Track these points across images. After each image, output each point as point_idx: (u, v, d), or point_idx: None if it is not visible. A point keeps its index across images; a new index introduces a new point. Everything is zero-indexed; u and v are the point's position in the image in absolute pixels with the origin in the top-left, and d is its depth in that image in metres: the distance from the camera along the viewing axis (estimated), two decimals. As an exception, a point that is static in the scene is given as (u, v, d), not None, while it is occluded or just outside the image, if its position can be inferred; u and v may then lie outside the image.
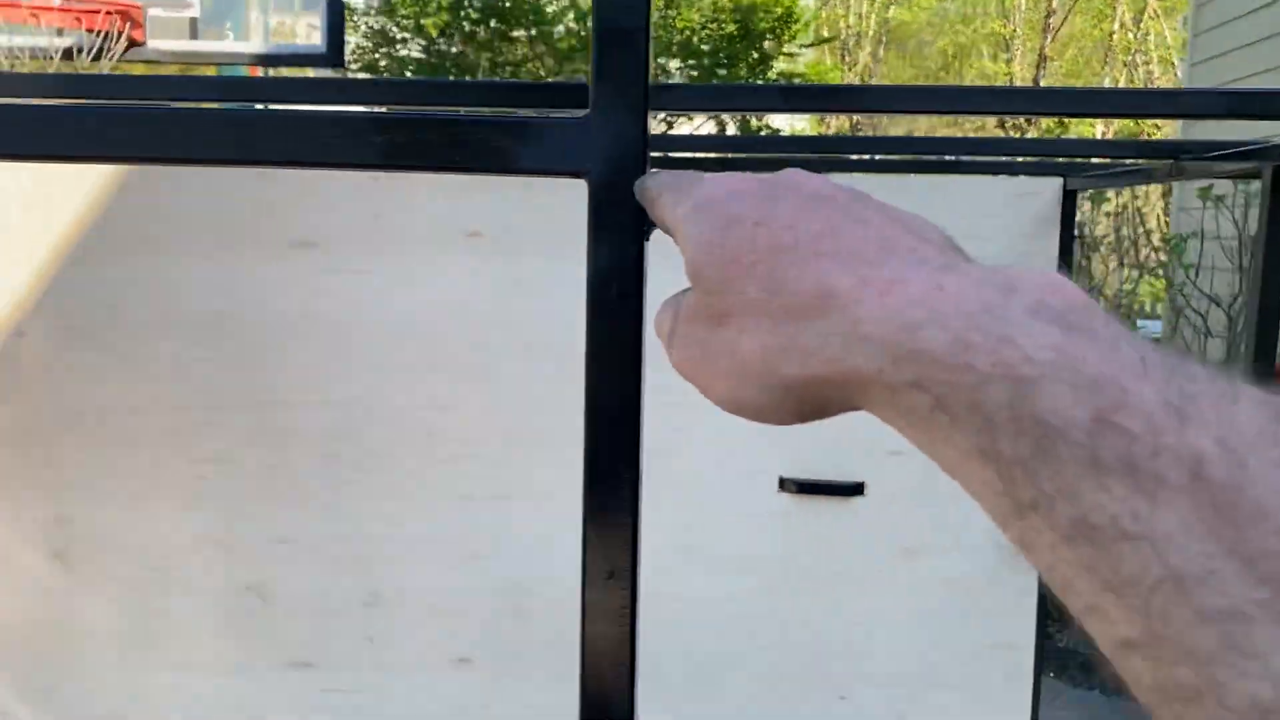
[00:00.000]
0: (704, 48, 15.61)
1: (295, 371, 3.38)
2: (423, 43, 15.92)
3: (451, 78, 14.82)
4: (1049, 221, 3.17)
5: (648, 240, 0.81)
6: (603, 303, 0.84)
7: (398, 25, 16.29)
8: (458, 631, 3.41)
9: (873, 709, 3.33)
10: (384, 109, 2.80)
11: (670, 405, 3.08)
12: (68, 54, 5.44)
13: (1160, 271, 8.65)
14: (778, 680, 3.33)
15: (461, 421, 3.36)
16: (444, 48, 16.20)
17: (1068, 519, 0.46)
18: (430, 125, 0.81)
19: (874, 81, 24.95)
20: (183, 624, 3.49)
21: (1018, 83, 22.97)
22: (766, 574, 3.30)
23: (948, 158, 3.37)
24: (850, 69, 24.26)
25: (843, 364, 0.57)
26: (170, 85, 2.90)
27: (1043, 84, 22.51)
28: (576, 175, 0.80)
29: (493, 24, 15.69)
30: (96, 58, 5.23)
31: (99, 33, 5.23)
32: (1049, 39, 22.92)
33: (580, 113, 0.81)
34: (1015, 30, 23.49)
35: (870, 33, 25.51)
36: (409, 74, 15.97)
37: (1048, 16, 22.89)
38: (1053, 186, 3.16)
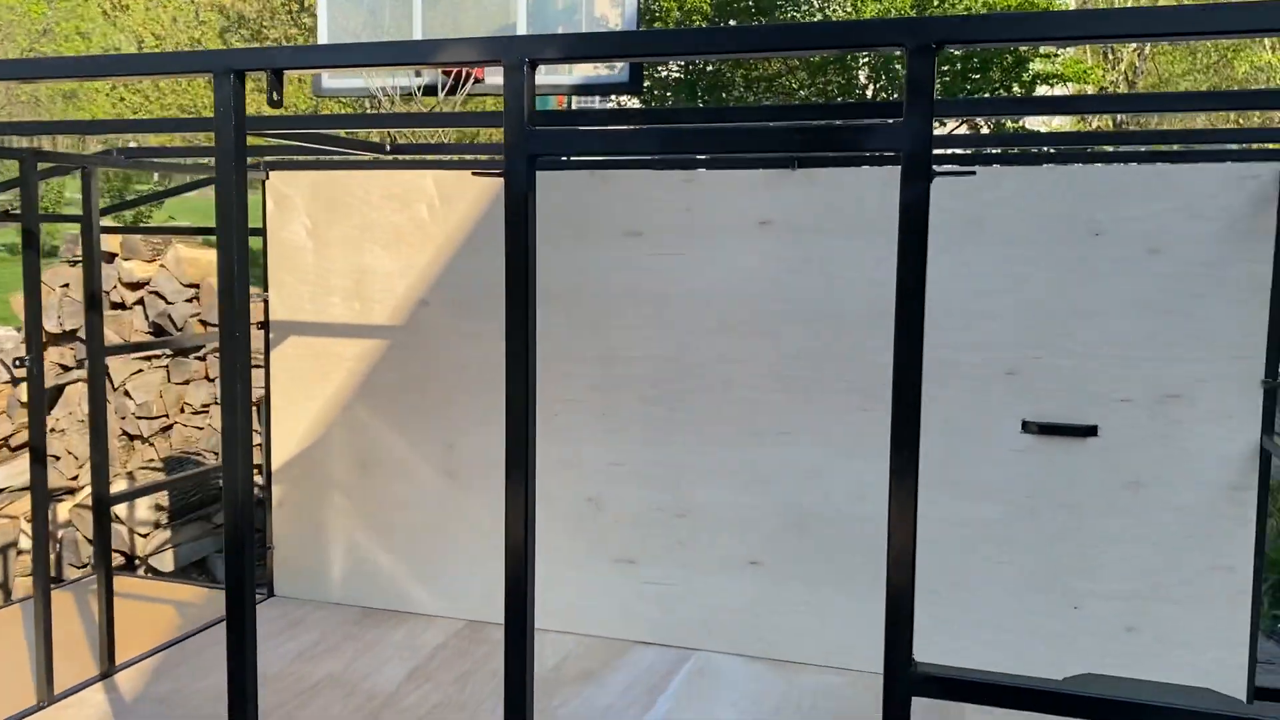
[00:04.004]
0: (957, 52, 15.90)
1: (624, 333, 4.36)
2: (681, 63, 17.06)
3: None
4: (1267, 202, 3.66)
5: (931, 182, 1.62)
6: (908, 228, 1.64)
7: (660, 49, 17.46)
8: (749, 540, 4.27)
9: (1103, 619, 3.90)
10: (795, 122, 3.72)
11: (927, 359, 3.92)
12: (429, 90, 6.81)
13: None
14: (1021, 591, 3.97)
15: (752, 373, 4.22)
16: (703, 67, 17.29)
17: None
18: (822, 129, 1.66)
19: (1141, 77, 24.13)
20: (539, 525, 4.52)
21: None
22: (1012, 502, 3.95)
23: (1175, 147, 3.91)
24: (1113, 67, 23.57)
25: None
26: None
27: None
28: (896, 150, 1.62)
29: (748, 43, 16.58)
30: (452, 92, 6.54)
31: (451, 73, 6.54)
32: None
33: (895, 120, 1.64)
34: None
35: (1134, 29, 24.58)
36: (668, 94, 17.08)
37: (1338, 1, 21.31)
38: (1271, 170, 3.65)
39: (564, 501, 4.49)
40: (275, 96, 1.91)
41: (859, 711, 3.83)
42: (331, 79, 7.21)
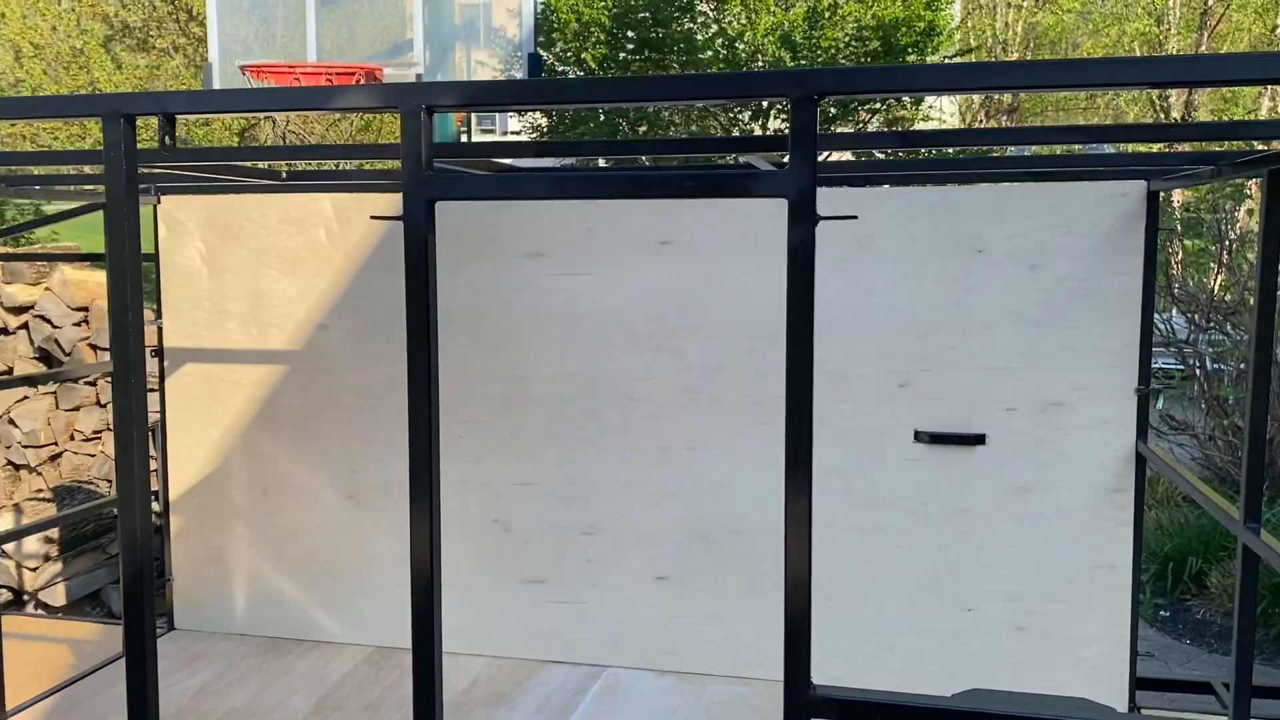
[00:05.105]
0: (846, 64, 16.29)
1: (530, 353, 4.38)
2: (581, 73, 17.12)
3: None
4: (1135, 218, 3.87)
5: (816, 225, 1.70)
6: (795, 266, 1.72)
7: (557, 59, 17.53)
8: (657, 555, 4.33)
9: (995, 620, 4.07)
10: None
11: (822, 374, 4.02)
12: (325, 110, 6.70)
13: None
14: (917, 595, 4.11)
15: (657, 389, 4.28)
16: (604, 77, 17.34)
17: None
18: (712, 177, 1.72)
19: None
20: (445, 548, 4.52)
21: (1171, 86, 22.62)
22: (907, 509, 4.10)
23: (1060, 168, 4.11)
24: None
25: None
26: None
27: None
28: (783, 197, 1.69)
29: (647, 54, 16.75)
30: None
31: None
32: (1205, 36, 22.53)
33: (784, 159, 1.71)
34: (1168, 29, 23.17)
35: (1017, 39, 25.59)
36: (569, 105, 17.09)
37: (1203, 14, 22.48)
38: (1138, 188, 3.87)
39: (471, 523, 4.49)
40: (168, 141, 1.90)
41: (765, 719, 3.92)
42: (223, 95, 7.06)
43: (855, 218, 1.70)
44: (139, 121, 1.94)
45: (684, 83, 1.67)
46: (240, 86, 6.85)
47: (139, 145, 2.30)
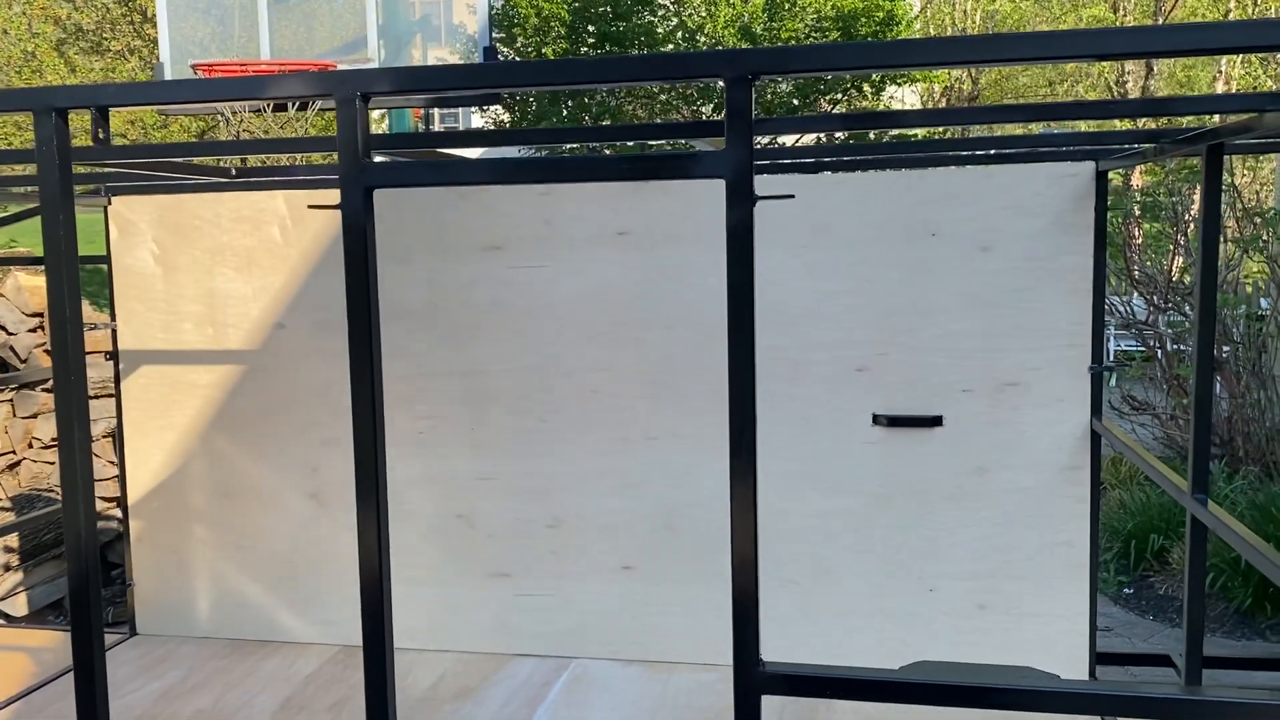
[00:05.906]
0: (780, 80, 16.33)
1: (489, 346, 4.37)
2: (544, 69, 17.03)
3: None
4: (1085, 199, 3.91)
5: (754, 205, 1.70)
6: (735, 248, 1.72)
7: (518, 54, 17.47)
8: (621, 545, 4.33)
9: (957, 599, 4.10)
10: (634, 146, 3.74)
11: (782, 360, 4.08)
12: (279, 106, 6.68)
13: (1263, 247, 8.99)
14: (880, 577, 4.14)
15: (617, 380, 4.28)
16: (563, 72, 17.26)
17: None
18: (651, 159, 1.72)
19: (983, 78, 25.24)
20: (409, 545, 4.50)
21: (1129, 69, 22.93)
22: (868, 492, 4.12)
23: (1006, 151, 4.14)
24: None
25: None
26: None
27: (1155, 68, 22.43)
28: (720, 177, 1.70)
29: (608, 48, 16.73)
30: (302, 109, 6.43)
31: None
32: (1161, 22, 22.81)
33: (721, 142, 1.72)
34: (1125, 15, 23.43)
35: (976, 28, 25.81)
36: (530, 100, 17.03)
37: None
38: (1087, 169, 3.91)
39: (434, 518, 4.47)
40: (101, 134, 1.88)
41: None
42: (176, 95, 6.96)
43: (792, 196, 1.71)
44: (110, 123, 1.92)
45: (621, 64, 1.67)
46: (193, 86, 6.76)
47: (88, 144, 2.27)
